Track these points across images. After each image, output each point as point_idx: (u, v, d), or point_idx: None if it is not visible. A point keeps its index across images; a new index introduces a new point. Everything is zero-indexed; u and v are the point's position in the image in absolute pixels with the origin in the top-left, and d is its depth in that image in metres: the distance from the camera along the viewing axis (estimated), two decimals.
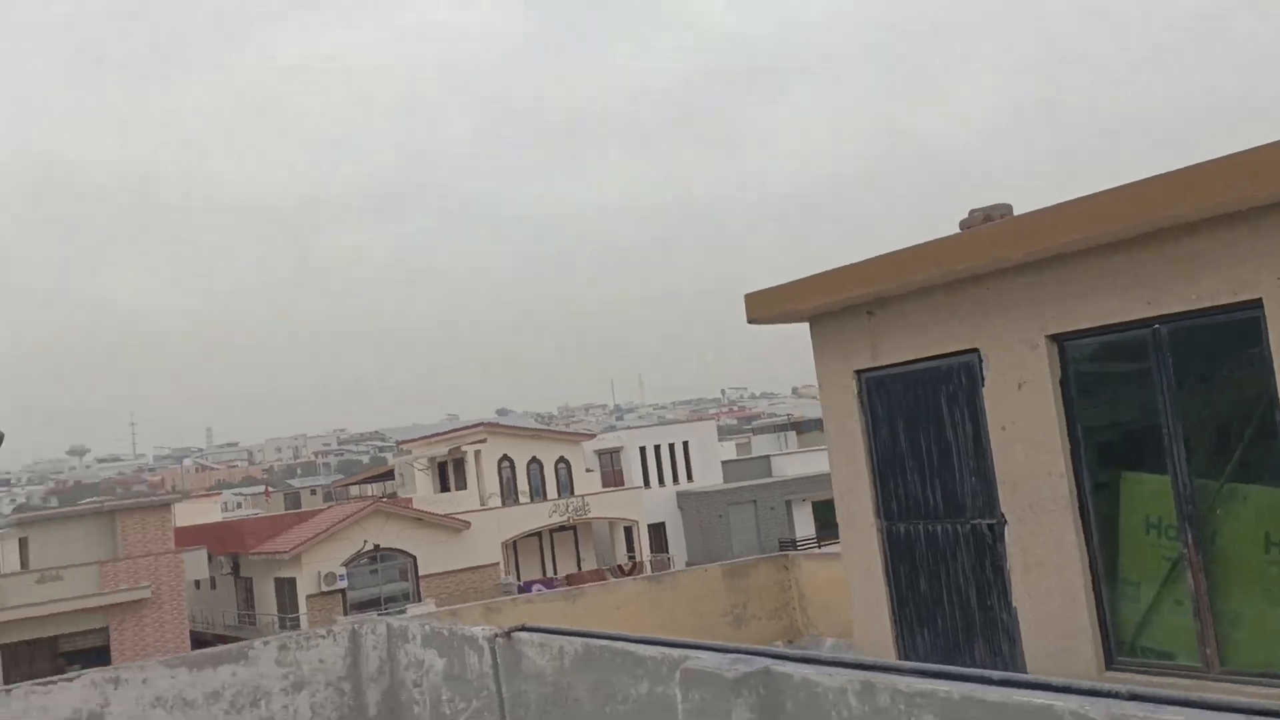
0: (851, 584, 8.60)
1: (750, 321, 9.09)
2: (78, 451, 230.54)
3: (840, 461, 8.51)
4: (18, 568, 35.62)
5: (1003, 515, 7.00)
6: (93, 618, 32.61)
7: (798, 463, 55.72)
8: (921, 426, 7.81)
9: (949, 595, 7.78)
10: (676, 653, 4.05)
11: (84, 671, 5.93)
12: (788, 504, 51.31)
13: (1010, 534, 6.93)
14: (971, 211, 7.39)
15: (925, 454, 7.80)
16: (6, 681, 29.34)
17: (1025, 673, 5.70)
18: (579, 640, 4.75)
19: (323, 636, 6.56)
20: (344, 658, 6.58)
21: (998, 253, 6.70)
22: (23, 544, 36.56)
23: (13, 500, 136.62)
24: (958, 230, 7.29)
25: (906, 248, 7.46)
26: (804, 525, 50.62)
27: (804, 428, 78.16)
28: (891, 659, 7.71)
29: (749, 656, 3.67)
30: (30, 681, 5.86)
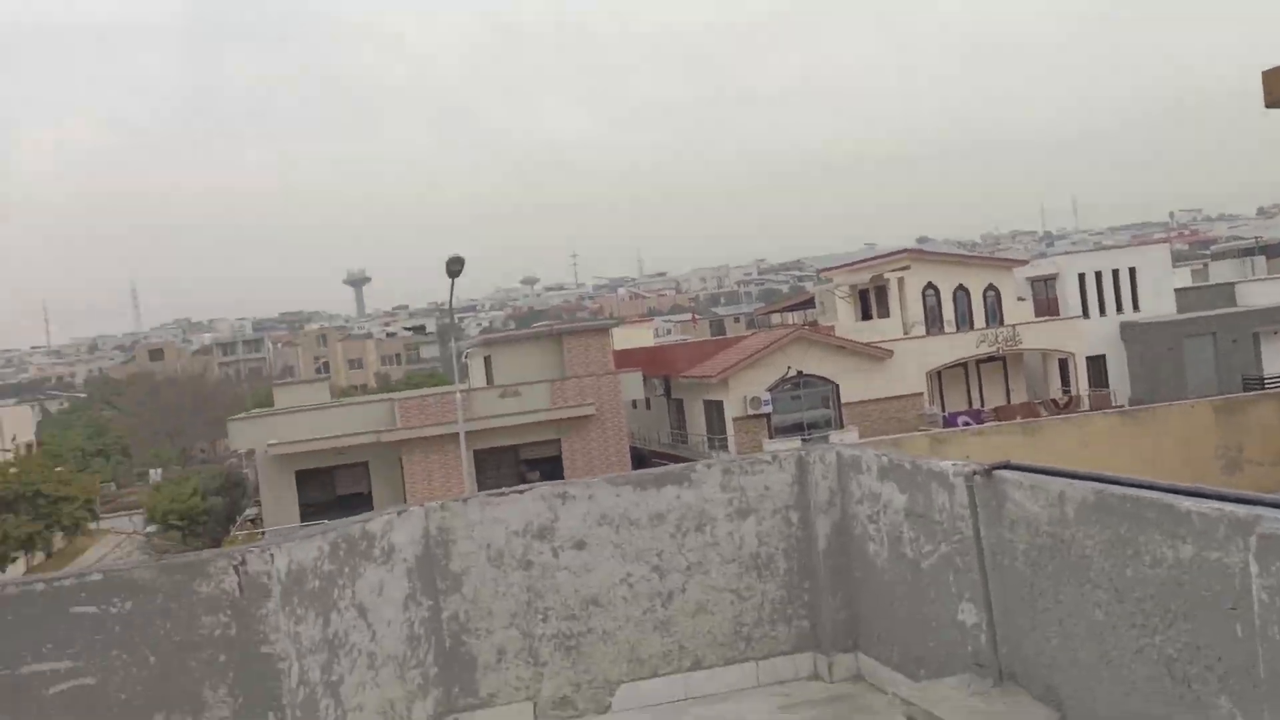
0: None
1: (1270, 105, 7.31)
2: (529, 281, 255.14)
3: None
4: (484, 383, 39.87)
5: None
6: (546, 430, 35.86)
7: (1269, 290, 48.83)
8: None
9: None
10: (1241, 510, 3.06)
11: (534, 485, 5.95)
12: (1255, 337, 45.31)
13: None
14: None
15: None
16: (479, 479, 33.19)
17: None
18: (1086, 485, 3.86)
19: (768, 462, 6.14)
20: (790, 486, 6.14)
21: None
22: (488, 362, 40.81)
23: (479, 324, 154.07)
24: None
25: None
26: (1275, 361, 44.55)
27: (1274, 252, 68.60)
28: None
29: None
30: (485, 493, 5.97)
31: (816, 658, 6.11)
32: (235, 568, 4.74)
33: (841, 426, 39.98)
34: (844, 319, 46.87)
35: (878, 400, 41.31)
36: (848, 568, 6.00)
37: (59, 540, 49.33)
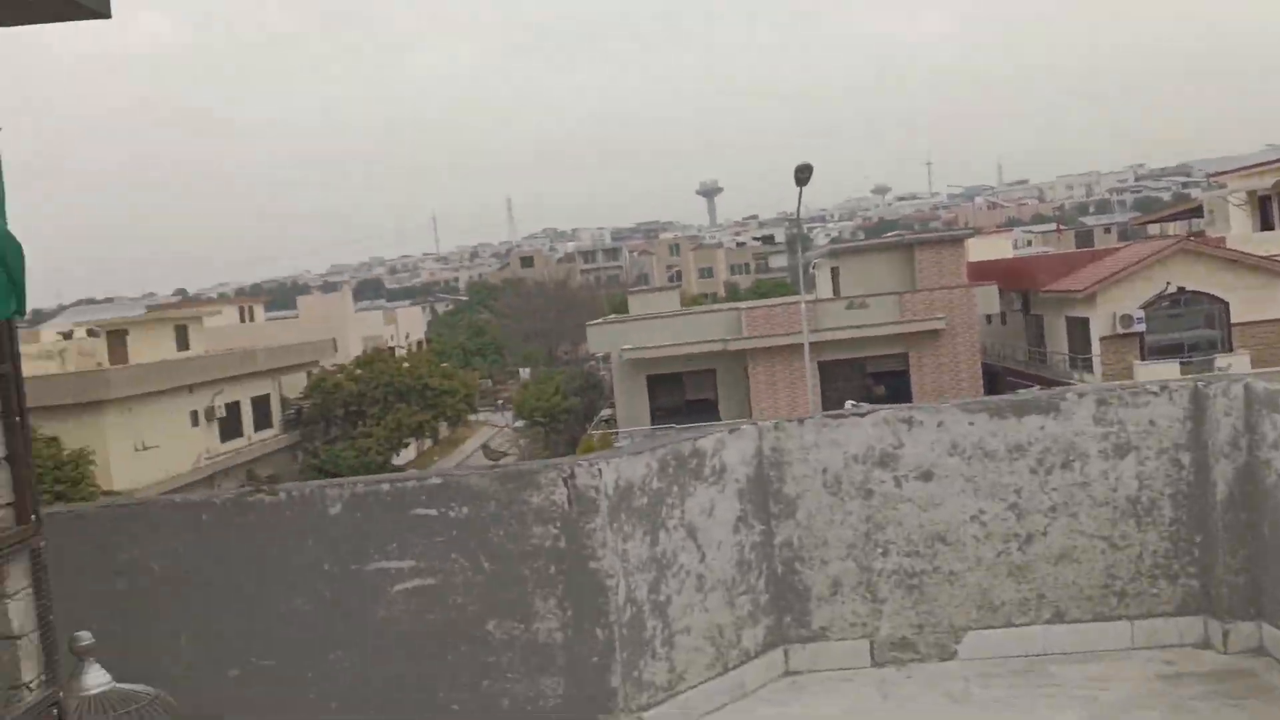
0: None
1: None
2: (880, 190, 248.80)
3: None
4: (831, 294, 39.22)
5: None
6: (893, 343, 34.76)
7: None
8: None
9: None
10: None
11: (876, 408, 5.46)
12: None
13: None
14: None
15: None
16: (823, 390, 32.86)
17: None
18: None
19: (1154, 394, 5.28)
20: (1182, 422, 5.25)
21: None
22: (834, 273, 40.08)
23: (827, 234, 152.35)
24: None
25: None
26: None
27: None
28: None
29: None
30: (822, 414, 5.56)
31: (1208, 622, 5.26)
32: (565, 480, 4.67)
33: (1230, 350, 35.77)
34: (1238, 229, 41.76)
35: (1277, 321, 36.52)
36: (1254, 523, 5.07)
37: (444, 430, 54.58)
